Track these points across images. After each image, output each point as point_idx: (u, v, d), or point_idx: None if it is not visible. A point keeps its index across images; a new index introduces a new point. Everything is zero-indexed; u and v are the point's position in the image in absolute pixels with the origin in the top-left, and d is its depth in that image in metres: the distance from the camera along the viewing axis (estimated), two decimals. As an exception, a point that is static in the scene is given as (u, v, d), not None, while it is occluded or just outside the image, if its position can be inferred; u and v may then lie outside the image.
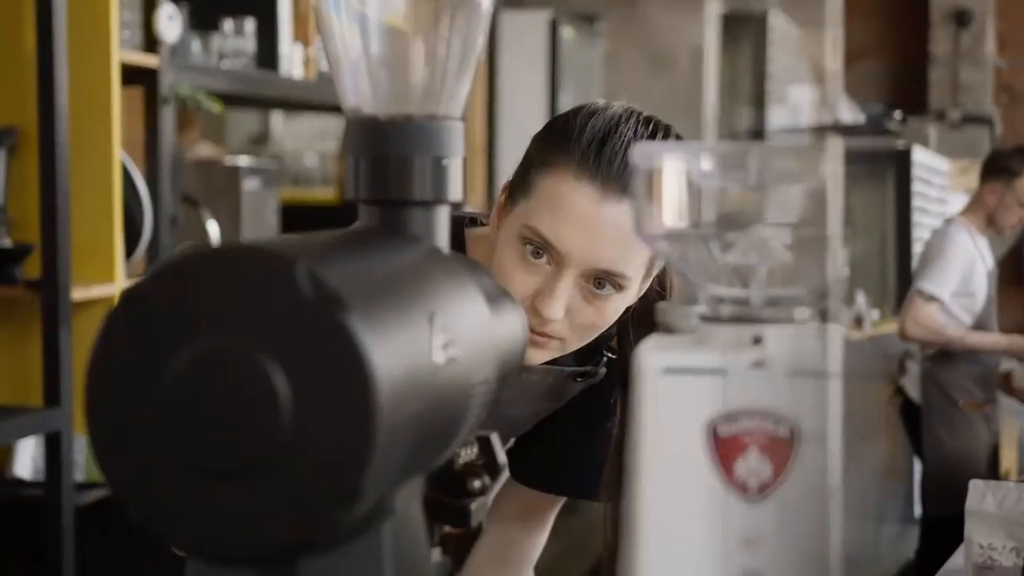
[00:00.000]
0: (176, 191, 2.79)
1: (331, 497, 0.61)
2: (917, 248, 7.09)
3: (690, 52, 5.46)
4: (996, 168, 4.24)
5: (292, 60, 3.22)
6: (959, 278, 4.19)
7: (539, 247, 1.25)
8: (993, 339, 4.36)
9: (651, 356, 0.70)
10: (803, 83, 5.27)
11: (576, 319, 1.26)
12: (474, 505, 0.86)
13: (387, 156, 0.81)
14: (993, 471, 4.25)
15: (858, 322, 5.87)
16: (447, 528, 0.91)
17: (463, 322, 0.74)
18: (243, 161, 3.16)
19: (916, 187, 6.86)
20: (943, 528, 4.25)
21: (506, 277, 1.26)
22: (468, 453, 0.90)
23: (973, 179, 8.39)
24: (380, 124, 0.82)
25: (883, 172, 6.79)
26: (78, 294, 2.43)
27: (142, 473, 0.63)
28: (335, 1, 0.83)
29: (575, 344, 1.29)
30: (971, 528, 1.92)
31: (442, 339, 0.70)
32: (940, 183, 7.47)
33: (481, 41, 0.86)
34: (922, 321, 4.16)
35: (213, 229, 2.94)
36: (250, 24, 3.03)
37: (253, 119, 5.95)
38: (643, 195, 0.72)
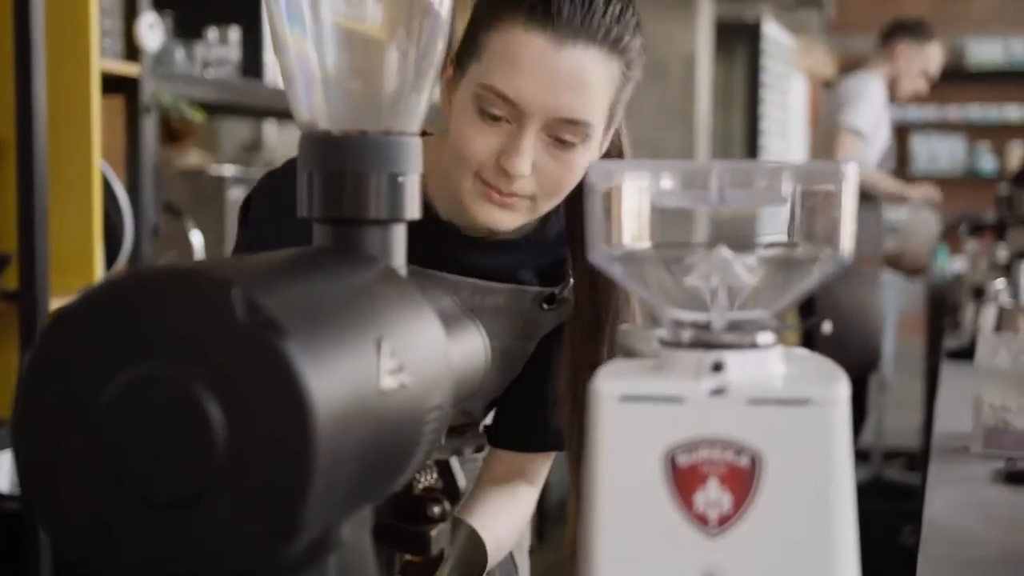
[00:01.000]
0: (158, 201, 2.76)
1: (268, 531, 0.59)
2: (765, 125, 7.24)
3: (683, 60, 5.45)
4: (909, 31, 4.37)
5: (277, 69, 3.19)
6: (873, 122, 4.33)
7: (496, 106, 1.22)
8: (907, 188, 4.59)
9: (608, 383, 0.68)
10: None
11: (543, 176, 1.24)
12: (434, 532, 0.83)
13: (341, 172, 0.79)
14: None
15: None
16: (407, 556, 0.88)
17: (416, 346, 0.71)
18: (229, 171, 3.13)
19: (764, 62, 6.98)
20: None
21: (465, 142, 1.23)
22: (427, 478, 0.87)
23: (816, 59, 8.53)
24: (334, 139, 0.79)
25: (732, 44, 6.87)
26: (57, 305, 2.40)
27: (71, 499, 0.60)
28: (288, 12, 0.81)
29: (544, 204, 1.27)
30: (982, 386, 1.79)
31: (391, 364, 0.67)
32: (785, 60, 7.62)
33: (440, 51, 0.83)
34: (852, 158, 4.24)
35: (196, 239, 2.91)
36: (235, 32, 3.00)
37: (246, 127, 5.93)
38: (599, 214, 0.70)
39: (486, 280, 1.35)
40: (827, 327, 4.40)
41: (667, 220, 0.71)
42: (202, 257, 2.88)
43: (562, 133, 1.23)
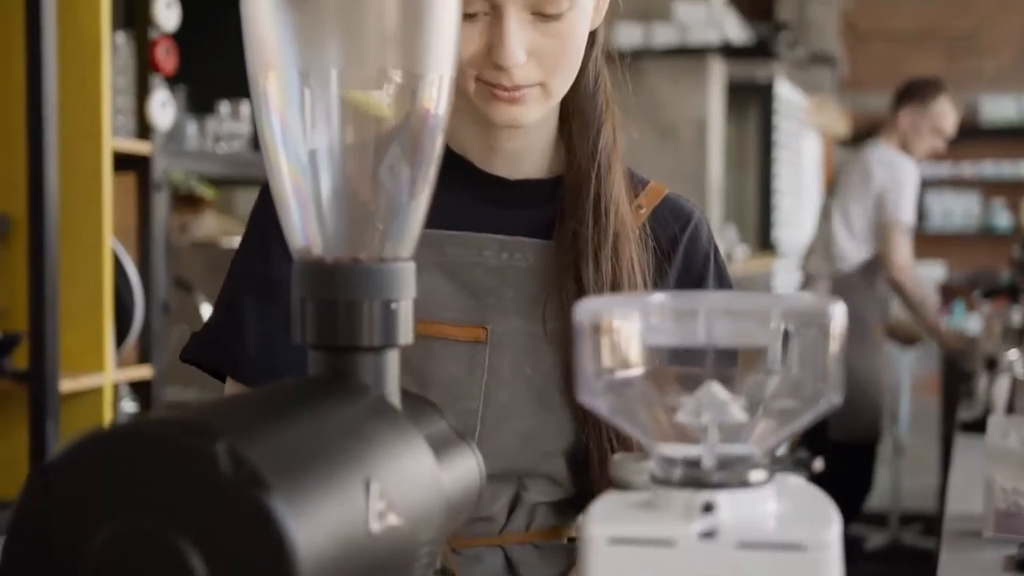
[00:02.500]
0: (169, 276, 2.77)
1: None
2: (778, 184, 7.26)
3: (694, 124, 5.47)
4: (911, 94, 4.34)
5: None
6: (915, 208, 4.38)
7: (466, 4, 1.12)
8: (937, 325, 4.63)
9: (598, 524, 0.67)
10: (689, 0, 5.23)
11: (543, 56, 1.14)
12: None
13: (334, 301, 0.79)
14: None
15: (728, 258, 5.93)
16: None
17: (406, 482, 0.71)
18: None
19: (777, 121, 7.00)
20: (848, 451, 4.26)
21: None
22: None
23: (829, 117, 8.58)
24: (327, 267, 0.79)
25: (745, 104, 6.89)
26: (67, 385, 2.40)
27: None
28: (283, 138, 0.81)
29: (557, 84, 1.17)
30: (992, 468, 1.75)
31: (380, 506, 0.67)
32: (798, 118, 7.65)
33: (432, 174, 0.83)
34: (909, 262, 4.34)
35: (207, 313, 2.92)
36: (246, 107, 3.03)
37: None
38: (587, 350, 0.70)
39: (513, 235, 1.23)
40: (818, 465, 4.38)
41: (656, 354, 0.71)
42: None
43: (544, 6, 1.13)
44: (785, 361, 0.70)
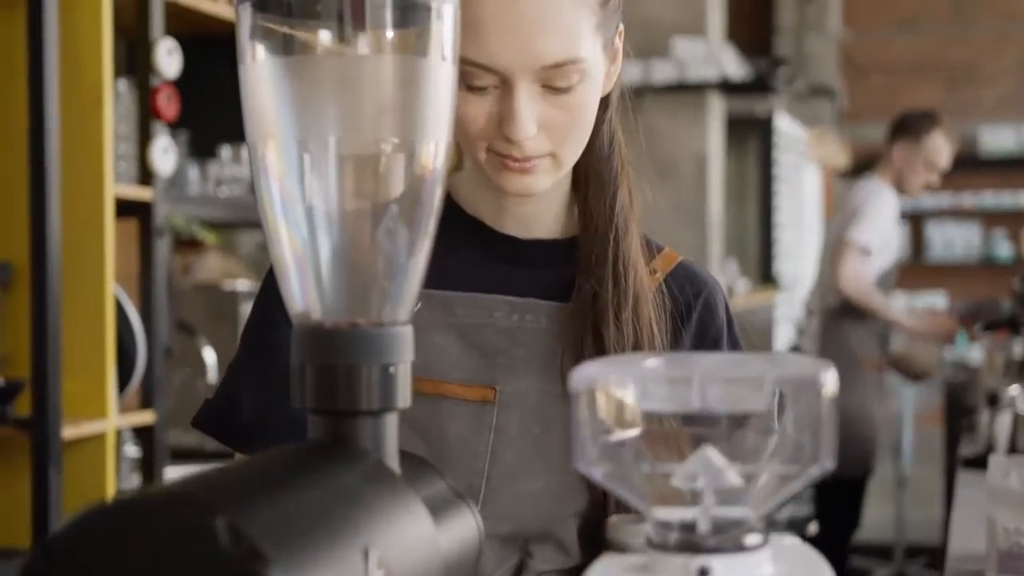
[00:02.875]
0: (172, 320, 2.78)
1: None
2: (778, 217, 7.27)
3: (694, 159, 5.49)
4: (903, 129, 4.35)
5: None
6: (883, 239, 4.31)
7: (477, 77, 1.12)
8: (912, 321, 4.54)
9: (594, 590, 0.68)
10: (687, 36, 5.24)
11: (553, 128, 1.13)
12: None
13: (333, 365, 0.80)
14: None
15: (729, 292, 5.91)
16: None
17: (404, 548, 0.71)
18: (243, 285, 3.16)
19: (776, 155, 7.02)
20: (840, 489, 4.24)
21: (463, 122, 1.13)
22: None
23: (828, 149, 8.59)
24: (326, 332, 0.80)
25: (744, 138, 6.91)
26: (69, 432, 2.41)
27: None
28: (282, 206, 0.82)
29: (568, 154, 1.16)
30: (994, 509, 1.74)
31: (378, 574, 0.68)
32: (798, 150, 7.67)
33: (429, 238, 0.84)
34: (858, 277, 4.25)
35: (210, 357, 2.93)
36: (247, 151, 3.04)
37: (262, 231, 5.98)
38: (583, 417, 0.71)
39: (525, 296, 1.22)
40: (813, 528, 4.36)
41: (651, 419, 0.72)
42: (215, 374, 2.90)
43: (554, 80, 1.12)
44: (779, 426, 0.71)
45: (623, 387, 0.70)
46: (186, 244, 3.41)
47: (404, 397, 0.81)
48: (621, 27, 1.22)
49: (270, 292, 1.23)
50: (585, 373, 0.71)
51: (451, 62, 0.81)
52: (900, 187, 4.43)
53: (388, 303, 0.82)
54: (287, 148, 0.80)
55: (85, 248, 2.48)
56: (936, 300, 10.01)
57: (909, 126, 4.38)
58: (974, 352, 7.91)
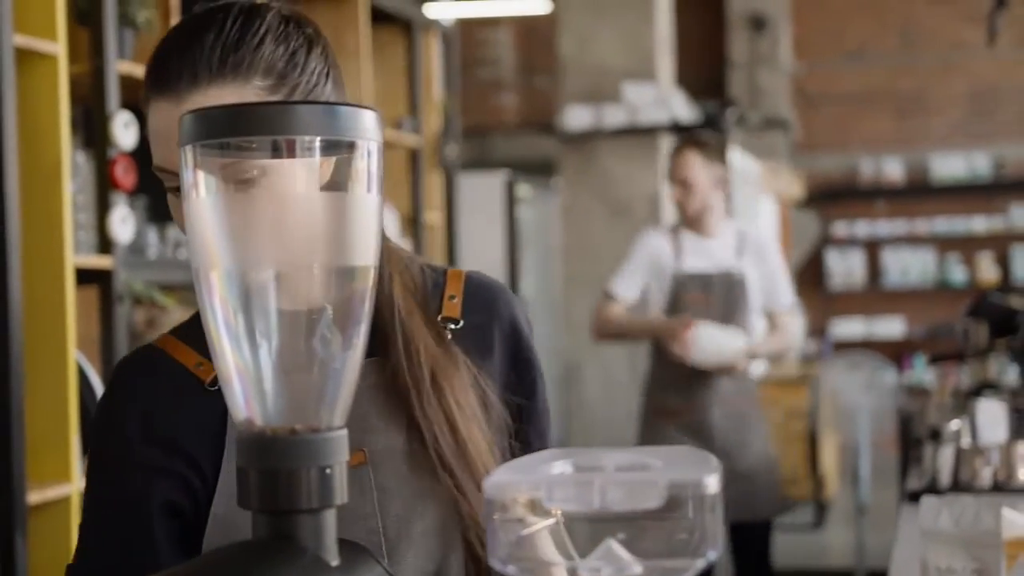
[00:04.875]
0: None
1: None
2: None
3: (646, 199, 5.60)
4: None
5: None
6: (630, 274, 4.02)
7: (170, 180, 1.19)
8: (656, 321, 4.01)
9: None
10: (637, 81, 5.26)
11: None
12: None
13: (275, 470, 0.88)
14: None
15: None
16: None
17: (340, 640, 0.79)
18: (202, 342, 3.21)
19: (731, 189, 7.11)
20: (744, 531, 4.15)
21: (180, 226, 1.16)
22: None
23: (780, 181, 8.69)
24: (267, 439, 0.88)
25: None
26: (34, 497, 2.46)
27: None
28: (224, 324, 0.90)
29: None
30: (927, 550, 1.79)
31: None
32: (753, 184, 7.79)
33: (359, 352, 0.92)
34: (599, 325, 4.04)
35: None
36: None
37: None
38: (496, 520, 0.79)
39: None
40: None
41: (560, 517, 0.80)
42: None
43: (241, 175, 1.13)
44: (672, 521, 0.79)
45: (532, 492, 0.79)
46: (150, 302, 3.47)
47: (341, 494, 0.89)
48: None
49: (106, 431, 1.26)
50: (497, 480, 0.79)
51: (376, 193, 0.89)
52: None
53: (324, 408, 0.90)
54: (229, 274, 0.88)
55: (46, 316, 2.55)
56: (893, 326, 10.18)
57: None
58: (928, 376, 8.04)
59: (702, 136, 4.11)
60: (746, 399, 4.08)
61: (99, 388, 2.66)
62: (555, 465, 0.82)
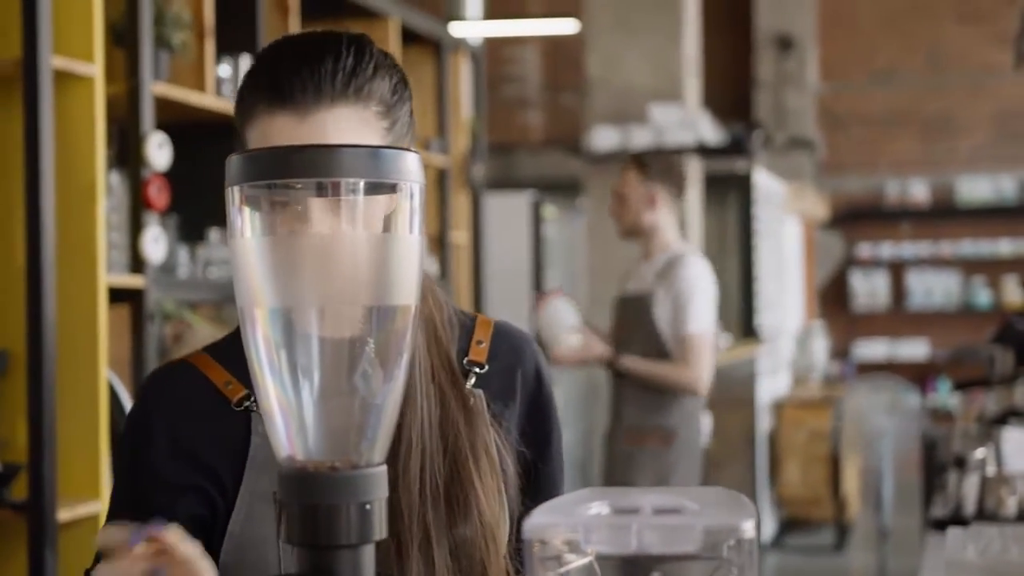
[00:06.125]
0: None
1: None
2: (760, 271, 7.35)
3: (672, 221, 5.59)
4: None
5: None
6: None
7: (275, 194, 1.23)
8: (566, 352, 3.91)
9: None
10: (664, 102, 5.26)
11: None
12: None
13: (315, 505, 0.89)
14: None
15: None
16: None
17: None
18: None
19: (756, 210, 7.12)
20: None
21: None
22: None
23: (806, 201, 8.64)
24: (308, 475, 0.90)
25: (724, 195, 7.01)
26: (64, 514, 2.49)
27: None
28: (268, 362, 0.92)
29: None
30: None
31: None
32: (778, 204, 7.77)
33: (399, 389, 0.94)
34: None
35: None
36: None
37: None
38: (536, 561, 0.80)
39: None
40: None
41: (598, 560, 0.81)
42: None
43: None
44: (710, 564, 0.81)
45: (570, 534, 0.80)
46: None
47: (380, 530, 0.91)
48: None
49: (135, 437, 1.28)
50: (535, 522, 0.81)
51: (418, 234, 0.91)
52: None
53: (365, 444, 0.92)
54: (273, 314, 0.90)
55: (79, 335, 2.57)
56: (917, 348, 10.14)
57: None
58: (953, 399, 8.00)
59: (647, 157, 4.10)
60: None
61: (129, 407, 2.68)
62: (592, 506, 0.83)
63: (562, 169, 8.13)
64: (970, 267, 10.10)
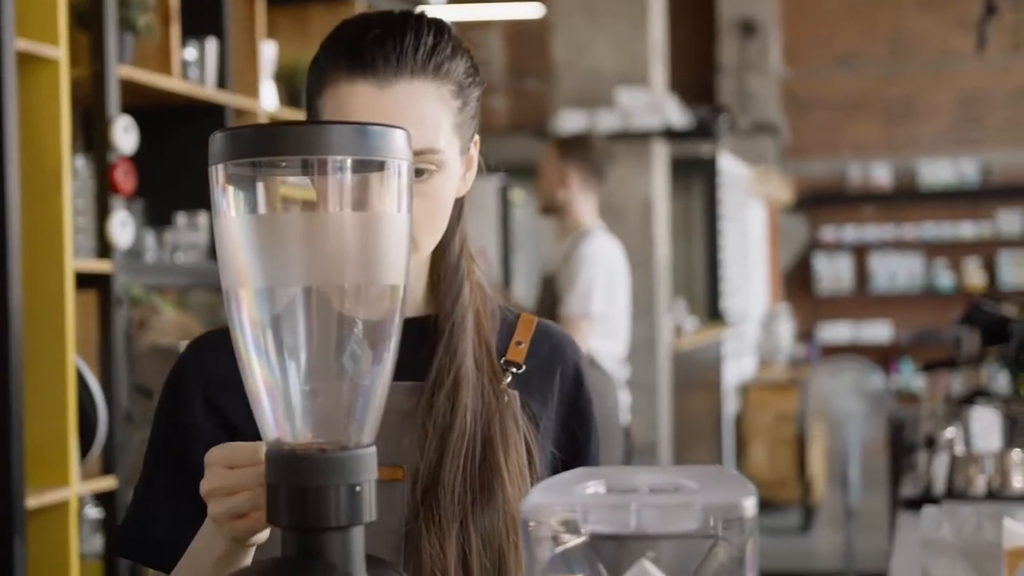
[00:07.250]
0: (129, 385, 2.84)
1: None
2: (725, 255, 7.40)
3: (640, 205, 5.60)
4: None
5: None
6: None
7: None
8: None
9: None
10: (631, 86, 5.30)
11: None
12: None
13: (304, 487, 0.88)
14: None
15: (678, 331, 5.98)
16: None
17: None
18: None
19: (721, 194, 7.17)
20: None
21: None
22: None
23: (770, 185, 8.69)
24: (296, 457, 0.89)
25: (689, 179, 7.06)
26: (32, 501, 2.46)
27: None
28: (254, 343, 0.90)
29: (425, 241, 1.25)
30: (927, 560, 1.81)
31: None
32: (743, 188, 7.83)
33: (388, 370, 0.93)
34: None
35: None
36: (203, 217, 3.12)
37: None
38: (533, 539, 0.79)
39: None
40: None
41: (594, 538, 0.80)
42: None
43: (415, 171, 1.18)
44: (708, 542, 0.80)
45: (568, 512, 0.79)
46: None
47: (370, 511, 0.90)
48: (477, 138, 1.32)
49: (172, 396, 1.29)
50: (533, 501, 0.79)
51: (406, 212, 0.90)
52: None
53: (353, 426, 0.91)
54: (259, 294, 0.88)
55: (46, 320, 2.54)
56: (880, 330, 10.22)
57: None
58: (917, 381, 8.05)
59: (567, 139, 4.21)
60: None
61: (97, 392, 2.65)
62: (588, 485, 0.82)
63: (527, 153, 8.12)
64: (932, 250, 10.18)
